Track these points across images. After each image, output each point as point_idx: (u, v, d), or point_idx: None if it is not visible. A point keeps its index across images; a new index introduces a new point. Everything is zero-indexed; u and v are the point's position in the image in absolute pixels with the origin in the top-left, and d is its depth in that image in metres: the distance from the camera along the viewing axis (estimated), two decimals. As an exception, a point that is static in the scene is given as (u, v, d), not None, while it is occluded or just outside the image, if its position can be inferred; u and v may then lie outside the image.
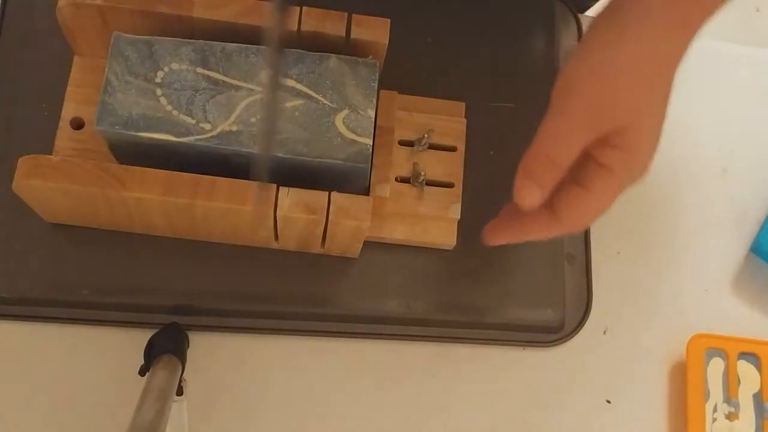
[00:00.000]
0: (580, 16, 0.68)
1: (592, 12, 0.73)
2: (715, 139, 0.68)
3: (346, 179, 0.51)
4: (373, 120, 0.51)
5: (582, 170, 0.45)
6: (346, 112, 0.51)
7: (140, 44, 0.51)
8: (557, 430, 0.59)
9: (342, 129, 0.51)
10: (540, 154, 0.44)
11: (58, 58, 0.57)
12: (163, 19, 0.51)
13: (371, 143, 0.51)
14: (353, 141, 0.51)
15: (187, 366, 0.53)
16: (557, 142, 0.44)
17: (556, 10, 0.67)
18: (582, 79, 0.44)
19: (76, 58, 0.56)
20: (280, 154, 0.50)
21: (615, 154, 0.44)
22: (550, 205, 0.46)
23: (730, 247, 0.66)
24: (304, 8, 0.52)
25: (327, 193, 0.50)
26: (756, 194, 0.67)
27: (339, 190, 0.50)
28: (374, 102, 0.52)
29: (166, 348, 0.52)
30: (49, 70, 0.57)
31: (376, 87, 0.52)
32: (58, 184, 0.49)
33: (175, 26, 0.52)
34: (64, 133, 0.55)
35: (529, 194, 0.44)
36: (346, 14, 0.53)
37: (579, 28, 0.68)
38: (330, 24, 0.52)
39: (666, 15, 0.43)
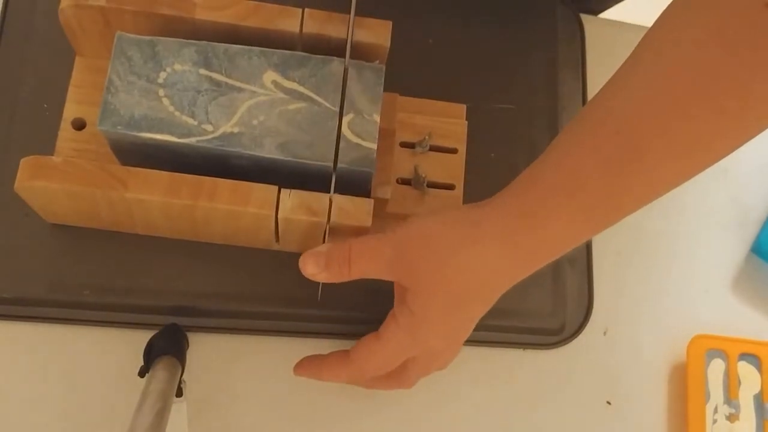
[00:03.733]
0: (582, 17, 0.68)
1: (604, 15, 0.73)
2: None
3: (350, 183, 0.51)
4: (378, 125, 0.51)
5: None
6: (351, 116, 0.51)
7: (143, 45, 0.51)
8: (557, 431, 0.59)
9: (347, 133, 0.51)
10: (343, 253, 0.49)
11: (59, 58, 0.57)
12: (165, 20, 0.51)
13: (376, 148, 0.51)
14: (358, 145, 0.51)
15: (186, 367, 0.53)
16: (364, 256, 0.49)
17: (558, 12, 0.67)
18: (412, 242, 0.48)
19: (77, 59, 0.56)
20: (282, 157, 0.50)
21: (404, 310, 0.48)
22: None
23: (731, 248, 0.66)
24: (306, 10, 0.52)
25: (328, 194, 0.50)
26: (756, 194, 0.67)
27: (342, 194, 0.50)
28: (379, 107, 0.51)
29: (166, 349, 0.52)
30: (51, 70, 0.57)
31: (381, 92, 0.52)
32: (60, 185, 0.49)
33: (178, 28, 0.52)
34: (65, 134, 0.55)
35: (311, 269, 0.49)
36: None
37: (581, 30, 0.67)
38: (332, 26, 0.52)
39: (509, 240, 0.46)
